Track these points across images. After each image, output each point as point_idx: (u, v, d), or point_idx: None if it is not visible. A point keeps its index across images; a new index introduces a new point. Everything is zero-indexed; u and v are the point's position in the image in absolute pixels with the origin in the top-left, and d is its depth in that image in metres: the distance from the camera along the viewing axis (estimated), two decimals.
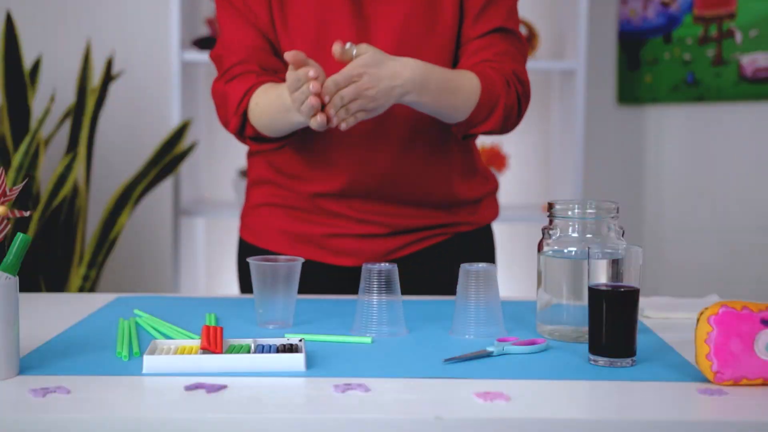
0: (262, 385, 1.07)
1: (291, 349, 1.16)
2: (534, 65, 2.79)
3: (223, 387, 1.05)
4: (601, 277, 1.16)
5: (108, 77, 2.64)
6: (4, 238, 1.12)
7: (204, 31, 3.06)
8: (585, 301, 1.22)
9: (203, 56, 2.82)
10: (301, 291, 1.54)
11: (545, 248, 1.31)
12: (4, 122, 2.45)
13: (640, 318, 1.32)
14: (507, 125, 1.57)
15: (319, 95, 1.36)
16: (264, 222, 1.67)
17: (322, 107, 1.37)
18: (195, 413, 0.97)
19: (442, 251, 1.65)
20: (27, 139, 2.33)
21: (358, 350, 1.23)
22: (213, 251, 3.20)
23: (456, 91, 1.48)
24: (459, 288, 1.32)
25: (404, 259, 1.63)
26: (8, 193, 1.11)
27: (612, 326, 1.15)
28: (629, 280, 1.15)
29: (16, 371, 1.09)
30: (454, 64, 1.60)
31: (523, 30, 2.82)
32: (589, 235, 1.28)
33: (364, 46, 1.40)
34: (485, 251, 1.70)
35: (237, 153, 3.09)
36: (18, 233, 1.09)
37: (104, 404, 0.99)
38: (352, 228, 1.61)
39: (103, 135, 2.97)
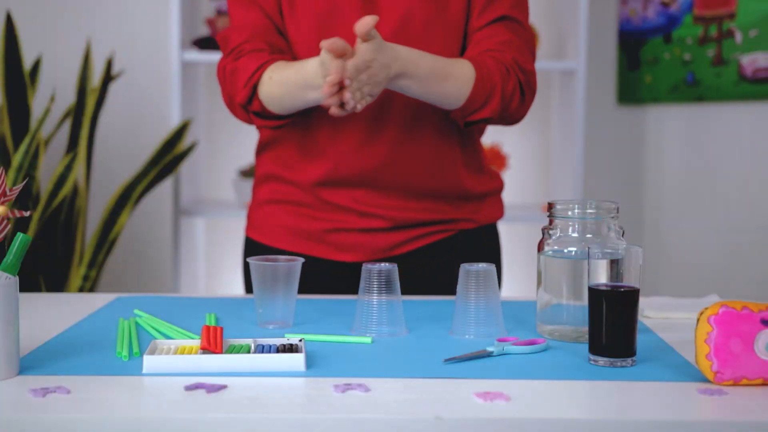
0: (262, 385, 1.07)
1: (291, 349, 1.16)
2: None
3: (223, 387, 1.05)
4: (601, 277, 1.16)
5: (108, 77, 2.64)
6: (4, 238, 1.12)
7: (204, 31, 3.06)
8: (585, 301, 1.22)
9: (203, 56, 2.82)
10: (303, 288, 1.54)
11: (545, 248, 1.31)
12: (4, 122, 2.45)
13: (640, 318, 1.32)
14: (508, 113, 1.57)
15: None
16: (267, 218, 1.68)
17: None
18: (195, 413, 0.97)
19: (446, 248, 1.65)
20: (27, 139, 2.33)
21: (358, 350, 1.23)
22: (213, 251, 3.20)
23: (447, 77, 1.49)
24: (459, 288, 1.32)
25: (407, 256, 1.63)
26: (8, 193, 1.11)
27: (612, 326, 1.15)
28: (629, 280, 1.15)
29: (16, 371, 1.09)
30: (462, 55, 1.60)
31: None
32: (589, 235, 1.28)
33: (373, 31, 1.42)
34: (488, 250, 1.70)
35: (237, 153, 3.09)
36: (18, 233, 1.09)
37: (104, 404, 0.99)
38: (354, 222, 1.61)
39: (103, 135, 2.97)
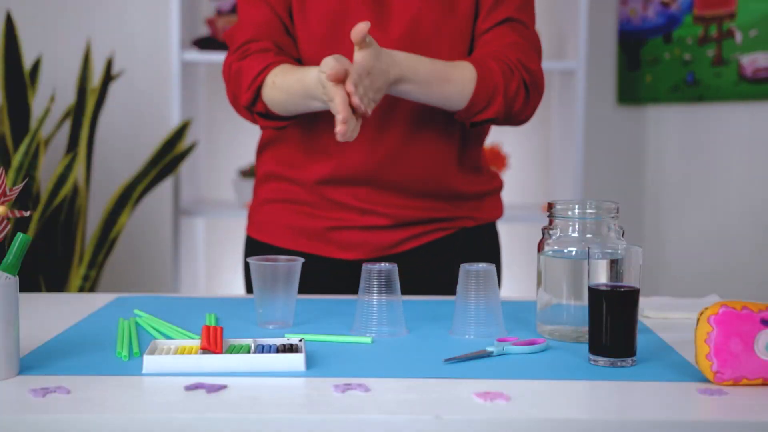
0: (262, 385, 1.07)
1: (291, 349, 1.16)
2: None
3: (223, 387, 1.05)
4: (601, 277, 1.16)
5: (108, 77, 2.64)
6: (4, 238, 1.12)
7: (204, 31, 3.06)
8: (585, 301, 1.22)
9: (203, 56, 2.82)
10: (304, 287, 1.55)
11: (545, 248, 1.31)
12: (4, 122, 2.45)
13: (640, 318, 1.32)
14: (513, 113, 1.57)
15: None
16: (269, 218, 1.68)
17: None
18: (195, 413, 0.97)
19: (447, 246, 1.65)
20: (27, 139, 2.33)
21: (358, 350, 1.23)
22: (213, 251, 3.20)
23: (447, 80, 1.50)
24: (459, 288, 1.32)
25: (408, 253, 1.64)
26: (8, 193, 1.11)
27: (612, 326, 1.15)
28: (629, 280, 1.15)
29: (16, 371, 1.09)
30: (469, 54, 1.61)
31: None
32: (589, 235, 1.28)
33: (368, 38, 1.42)
34: (489, 249, 1.71)
35: (237, 153, 3.09)
36: (18, 233, 1.09)
37: (104, 404, 0.99)
38: (356, 220, 1.62)
39: (103, 135, 2.97)
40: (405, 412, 0.98)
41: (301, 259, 1.37)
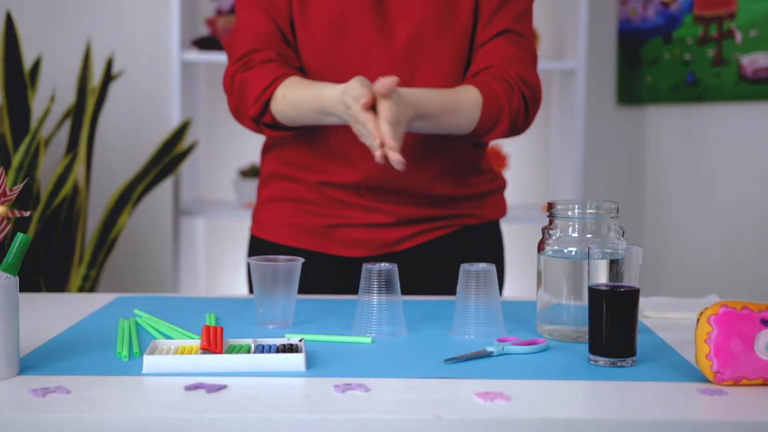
0: (262, 385, 1.07)
1: (291, 349, 1.16)
2: None
3: (223, 387, 1.05)
4: (601, 277, 1.16)
5: (108, 77, 2.64)
6: (4, 238, 1.12)
7: (204, 31, 3.06)
8: (585, 301, 1.22)
9: (203, 56, 2.82)
10: (308, 284, 1.55)
11: (545, 248, 1.31)
12: (4, 122, 2.45)
13: (640, 318, 1.32)
14: (515, 129, 1.60)
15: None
16: (272, 216, 1.69)
17: None
18: (195, 413, 0.97)
19: (449, 244, 1.66)
20: (27, 139, 2.33)
21: (358, 350, 1.23)
22: (213, 251, 3.20)
23: (456, 110, 1.51)
24: (459, 288, 1.32)
25: (411, 251, 1.64)
26: (8, 193, 1.11)
27: (612, 326, 1.15)
28: (629, 280, 1.15)
29: (16, 371, 1.09)
30: (467, 63, 1.62)
31: None
32: (589, 235, 1.28)
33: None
34: (491, 247, 1.72)
35: (237, 153, 3.09)
36: (18, 233, 1.09)
37: (104, 404, 0.99)
38: (359, 218, 1.62)
39: (103, 135, 2.97)
40: (405, 412, 0.98)
41: (301, 259, 1.37)
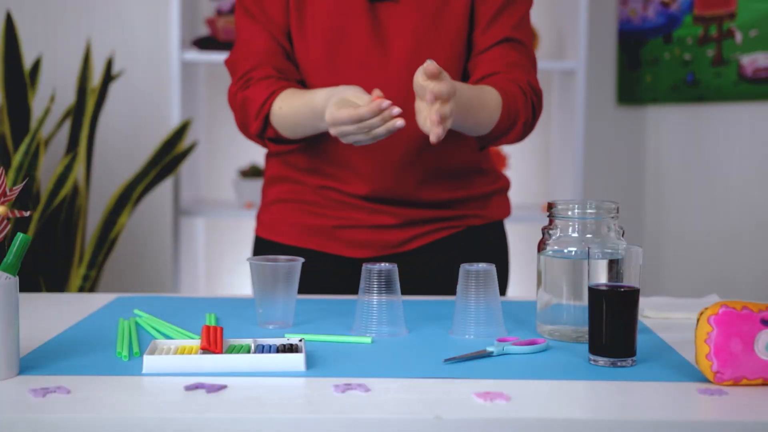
0: (262, 385, 1.07)
1: (291, 349, 1.16)
2: None
3: (223, 387, 1.05)
4: (601, 277, 1.16)
5: (108, 77, 2.64)
6: (4, 238, 1.12)
7: (204, 31, 3.06)
8: (585, 301, 1.22)
9: (203, 56, 2.82)
10: (312, 284, 1.55)
11: (545, 248, 1.31)
12: (4, 122, 2.45)
13: (640, 318, 1.32)
14: (524, 136, 1.62)
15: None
16: (276, 217, 1.70)
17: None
18: (195, 413, 0.97)
19: (453, 244, 1.66)
20: (27, 139, 2.33)
21: (358, 350, 1.23)
22: (213, 251, 3.20)
23: (482, 107, 1.50)
24: (459, 288, 1.32)
25: (416, 252, 1.65)
26: (8, 193, 1.11)
27: (612, 326, 1.15)
28: (629, 280, 1.15)
29: (16, 371, 1.09)
30: (464, 72, 1.62)
31: None
32: (589, 235, 1.28)
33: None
34: (495, 247, 1.72)
35: (237, 153, 3.09)
36: (18, 233, 1.09)
37: (104, 404, 0.99)
38: (363, 219, 1.63)
39: (103, 135, 2.97)
40: (405, 412, 0.98)
41: (301, 259, 1.37)
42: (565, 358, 1.20)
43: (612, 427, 0.96)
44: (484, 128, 1.54)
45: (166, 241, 3.01)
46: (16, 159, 2.32)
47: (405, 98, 1.48)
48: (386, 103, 1.35)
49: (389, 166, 1.59)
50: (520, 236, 3.06)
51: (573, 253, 1.28)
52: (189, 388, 1.04)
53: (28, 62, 2.71)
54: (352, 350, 1.23)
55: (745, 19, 2.84)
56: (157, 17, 3.03)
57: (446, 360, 1.17)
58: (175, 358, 1.11)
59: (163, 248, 3.06)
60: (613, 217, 1.29)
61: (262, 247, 1.70)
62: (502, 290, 1.69)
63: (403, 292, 1.37)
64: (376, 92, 1.39)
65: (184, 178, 2.89)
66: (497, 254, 1.70)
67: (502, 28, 1.59)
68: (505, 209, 1.75)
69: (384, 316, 1.30)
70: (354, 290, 1.61)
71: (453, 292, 1.35)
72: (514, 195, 3.12)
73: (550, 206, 1.32)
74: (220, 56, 2.79)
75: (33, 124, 2.48)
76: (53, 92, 2.67)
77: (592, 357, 1.17)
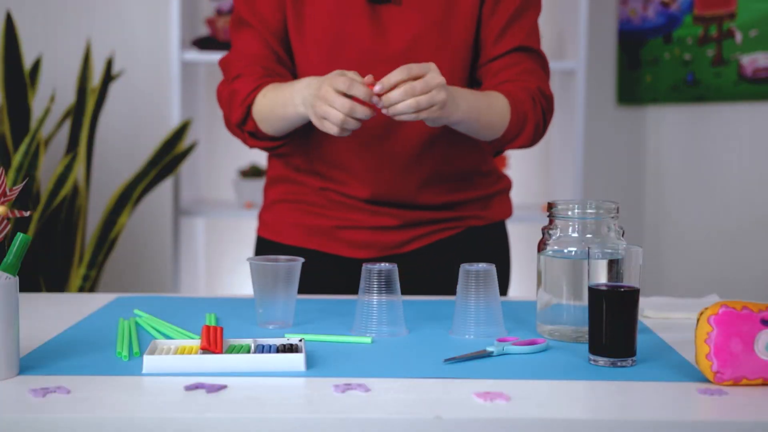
0: (262, 385, 1.07)
1: (291, 349, 1.16)
2: None
3: (223, 387, 1.05)
4: (601, 277, 1.16)
5: (108, 77, 2.64)
6: (4, 238, 1.12)
7: (204, 31, 3.06)
8: (585, 301, 1.22)
9: (203, 56, 2.82)
10: (313, 284, 1.55)
11: (545, 248, 1.31)
12: (4, 122, 2.45)
13: (640, 318, 1.32)
14: (536, 139, 1.62)
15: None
16: (278, 217, 1.70)
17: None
18: (195, 413, 0.97)
19: (454, 245, 1.67)
20: (27, 139, 2.33)
21: (358, 350, 1.23)
22: (213, 251, 3.20)
23: (489, 108, 1.52)
24: (459, 288, 1.32)
25: (417, 252, 1.65)
26: (8, 193, 1.11)
27: (612, 326, 1.15)
28: (629, 280, 1.15)
29: (16, 371, 1.09)
30: (471, 78, 1.63)
31: None
32: (589, 235, 1.28)
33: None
34: (496, 248, 1.72)
35: (237, 153, 3.09)
36: (18, 233, 1.09)
37: (104, 404, 0.99)
38: (365, 220, 1.63)
39: (103, 135, 2.97)
40: (405, 412, 0.98)
41: (301, 259, 1.37)
42: (565, 358, 1.20)
43: (612, 427, 0.96)
44: (496, 131, 1.55)
45: (166, 241, 3.01)
46: (16, 159, 2.32)
47: None
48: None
49: (390, 170, 1.59)
50: (520, 236, 3.06)
51: (573, 253, 1.28)
52: (189, 388, 1.04)
53: (28, 62, 2.71)
54: (352, 350, 1.23)
55: (745, 19, 2.84)
56: (157, 17, 3.03)
57: (446, 360, 1.17)
58: (175, 358, 1.11)
59: (163, 248, 3.06)
60: (613, 217, 1.29)
61: (264, 247, 1.71)
62: (504, 291, 1.69)
63: (404, 293, 1.37)
64: (369, 78, 1.39)
65: (184, 178, 2.89)
66: (498, 255, 1.70)
67: (515, 37, 1.60)
68: (507, 210, 1.75)
69: (384, 316, 1.30)
70: (354, 290, 1.62)
71: (454, 293, 1.35)
72: (514, 195, 3.11)
73: (550, 206, 1.32)
74: (220, 56, 2.78)
75: (33, 124, 2.48)
76: (53, 92, 2.67)
77: (592, 357, 1.17)
